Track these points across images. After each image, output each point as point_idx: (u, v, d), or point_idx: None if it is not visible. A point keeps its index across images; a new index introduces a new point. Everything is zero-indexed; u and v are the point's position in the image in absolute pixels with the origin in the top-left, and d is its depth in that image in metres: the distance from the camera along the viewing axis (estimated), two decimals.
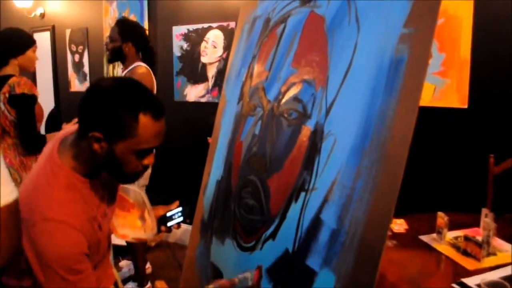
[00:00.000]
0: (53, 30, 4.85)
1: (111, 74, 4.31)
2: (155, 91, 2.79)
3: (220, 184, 1.64)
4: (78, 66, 4.68)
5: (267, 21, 1.59)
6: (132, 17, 4.02)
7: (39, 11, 4.90)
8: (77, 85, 4.75)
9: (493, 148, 2.46)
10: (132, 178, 1.24)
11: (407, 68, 0.96)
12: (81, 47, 4.59)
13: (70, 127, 1.33)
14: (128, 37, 2.73)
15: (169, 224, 1.46)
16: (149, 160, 1.21)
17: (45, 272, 1.10)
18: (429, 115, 2.71)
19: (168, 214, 1.46)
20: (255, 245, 1.33)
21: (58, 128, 2.73)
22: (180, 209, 1.48)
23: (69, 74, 4.79)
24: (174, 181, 3.80)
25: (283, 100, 1.35)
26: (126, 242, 2.94)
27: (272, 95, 1.41)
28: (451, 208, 2.07)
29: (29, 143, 2.38)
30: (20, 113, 2.32)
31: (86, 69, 4.60)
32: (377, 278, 0.92)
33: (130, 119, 1.10)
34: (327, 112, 1.15)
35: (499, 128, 2.54)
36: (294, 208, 1.19)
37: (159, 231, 1.44)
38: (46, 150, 1.27)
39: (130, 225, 1.42)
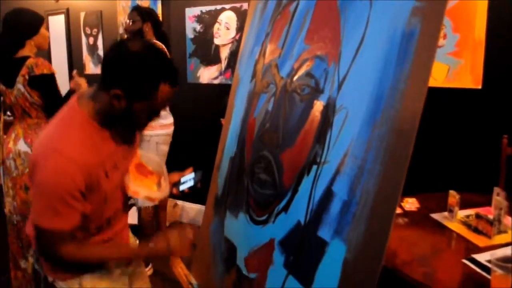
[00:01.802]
0: (67, 13, 4.88)
1: None
2: None
3: (234, 160, 1.67)
4: (92, 48, 4.72)
5: (280, 0, 1.59)
6: (146, 1, 4.03)
7: None
8: (92, 68, 4.80)
9: (507, 129, 2.45)
10: (141, 127, 1.39)
11: (419, 41, 0.97)
12: (95, 30, 4.63)
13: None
14: (148, 18, 2.90)
15: (181, 187, 1.52)
16: (158, 113, 1.34)
17: (38, 201, 1.23)
18: (442, 95, 2.70)
19: (182, 179, 1.53)
20: (268, 218, 1.37)
21: None
22: (192, 175, 1.54)
23: (84, 56, 4.83)
24: (188, 162, 3.85)
25: (296, 76, 1.36)
26: (138, 223, 3.03)
27: (285, 71, 1.43)
28: (464, 188, 2.08)
29: None
30: (45, 93, 2.37)
31: (100, 51, 4.64)
32: (387, 248, 0.95)
33: (151, 86, 1.22)
34: (339, 86, 1.17)
35: None
36: (306, 181, 1.21)
37: (171, 193, 1.52)
38: (62, 111, 1.34)
39: (146, 187, 1.45)
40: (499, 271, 1.26)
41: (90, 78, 4.77)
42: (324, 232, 1.10)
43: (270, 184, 1.38)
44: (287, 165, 1.32)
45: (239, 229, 1.54)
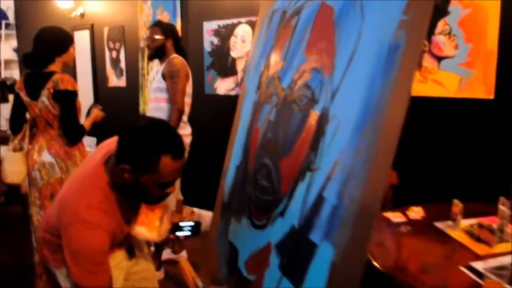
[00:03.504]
0: (92, 29, 5.09)
1: (145, 69, 4.49)
2: (190, 79, 2.97)
3: (239, 168, 1.74)
4: (115, 62, 4.90)
5: (283, 14, 1.67)
6: (165, 15, 4.17)
7: (79, 11, 5.15)
8: (115, 81, 4.97)
9: None
10: (156, 201, 1.50)
11: (404, 52, 1.02)
12: (118, 44, 4.80)
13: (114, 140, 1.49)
14: (170, 34, 3.00)
15: (177, 233, 1.61)
16: (170, 190, 1.43)
17: (75, 262, 1.35)
18: (455, 106, 2.71)
19: (181, 223, 1.62)
20: (267, 223, 1.43)
21: (99, 122, 2.93)
22: (192, 223, 1.62)
23: (107, 70, 5.01)
24: (206, 172, 3.94)
25: (295, 88, 1.43)
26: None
27: (286, 83, 1.49)
28: (476, 198, 2.09)
29: (72, 134, 2.55)
30: (63, 108, 2.48)
31: (122, 65, 4.81)
32: (367, 250, 0.99)
33: (153, 159, 1.32)
34: (333, 96, 1.22)
35: None
36: (301, 187, 1.27)
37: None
38: (95, 158, 1.49)
39: (149, 223, 1.57)
40: (490, 277, 1.28)
41: (113, 91, 4.96)
42: (315, 236, 1.15)
43: (270, 190, 1.44)
44: (285, 172, 1.38)
45: (242, 234, 1.60)
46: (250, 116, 1.73)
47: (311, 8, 1.47)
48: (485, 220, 1.82)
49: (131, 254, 1.72)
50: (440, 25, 2.77)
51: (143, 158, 1.32)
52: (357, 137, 1.09)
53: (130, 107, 4.71)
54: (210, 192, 2.80)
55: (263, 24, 1.85)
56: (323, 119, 1.24)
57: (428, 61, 2.82)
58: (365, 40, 1.16)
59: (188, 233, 1.62)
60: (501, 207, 1.80)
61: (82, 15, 5.17)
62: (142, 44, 4.45)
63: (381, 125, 1.03)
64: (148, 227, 1.57)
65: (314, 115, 1.29)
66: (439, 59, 2.78)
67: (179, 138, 1.38)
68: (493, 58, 2.61)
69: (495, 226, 1.74)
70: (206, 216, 3.99)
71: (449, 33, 2.74)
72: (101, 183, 1.41)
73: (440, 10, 2.73)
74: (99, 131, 4.91)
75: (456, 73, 2.74)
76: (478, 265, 1.48)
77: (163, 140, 1.33)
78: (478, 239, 1.72)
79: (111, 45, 4.90)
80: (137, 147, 1.33)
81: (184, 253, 3.28)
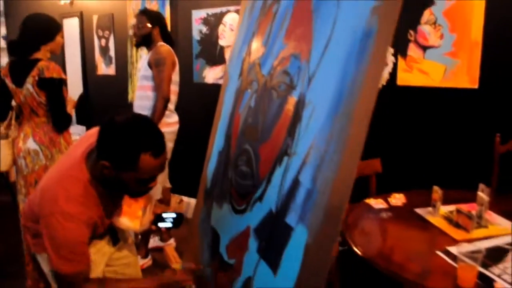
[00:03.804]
0: (81, 16, 5.05)
1: (134, 57, 4.47)
2: (177, 67, 2.97)
3: (221, 154, 1.75)
4: (104, 50, 4.87)
5: (265, 1, 1.67)
6: (154, 4, 4.15)
7: None
8: (104, 69, 4.95)
9: (501, 128, 2.47)
10: (138, 195, 1.52)
11: (376, 38, 1.04)
12: (107, 32, 4.78)
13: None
14: (156, 22, 2.99)
15: (159, 224, 1.63)
16: (152, 184, 1.44)
17: (55, 251, 1.38)
18: (439, 95, 2.74)
19: (164, 215, 1.63)
20: (246, 207, 1.45)
21: (86, 110, 2.92)
22: (174, 215, 1.64)
23: (96, 58, 4.99)
24: (194, 160, 3.95)
25: (275, 74, 1.44)
26: None
27: (266, 69, 1.51)
28: (459, 185, 2.12)
29: (59, 122, 2.55)
30: (50, 96, 2.48)
31: (111, 53, 4.79)
32: (339, 232, 1.02)
33: (132, 157, 1.31)
34: (309, 82, 1.24)
35: (508, 108, 2.54)
36: (278, 172, 1.29)
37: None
38: (77, 150, 1.49)
39: (131, 214, 1.59)
40: (464, 261, 1.31)
41: (102, 79, 4.94)
42: (291, 219, 1.17)
43: (250, 175, 1.46)
44: (264, 157, 1.40)
45: (223, 219, 1.62)
46: (232, 103, 1.74)
47: None
48: (464, 207, 1.85)
49: (114, 240, 1.73)
50: (426, 15, 2.78)
51: (122, 156, 1.32)
52: (330, 122, 1.11)
53: (119, 95, 4.69)
54: (198, 181, 2.83)
55: (246, 11, 1.86)
56: (299, 105, 1.26)
57: (413, 51, 2.84)
58: (340, 26, 1.18)
59: (170, 225, 1.64)
60: (480, 193, 1.84)
61: (71, 3, 5.13)
62: (131, 32, 4.43)
63: (353, 110, 1.05)
64: (131, 217, 1.58)
65: (291, 101, 1.31)
66: (425, 48, 2.80)
67: (159, 135, 1.37)
68: (477, 48, 2.63)
69: (474, 212, 1.77)
70: (194, 204, 4.02)
71: (435, 23, 2.76)
72: (82, 176, 1.42)
73: (426, 0, 2.75)
74: (88, 119, 4.93)
75: (441, 62, 2.76)
76: (454, 249, 1.51)
77: (142, 138, 1.33)
78: (457, 225, 1.75)
79: (100, 33, 4.87)
80: (116, 144, 1.32)
81: (172, 241, 3.31)
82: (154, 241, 3.28)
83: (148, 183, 1.41)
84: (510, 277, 1.33)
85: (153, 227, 1.66)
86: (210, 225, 1.72)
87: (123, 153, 1.32)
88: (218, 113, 1.87)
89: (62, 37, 2.66)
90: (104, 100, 4.96)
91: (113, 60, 4.79)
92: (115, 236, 1.72)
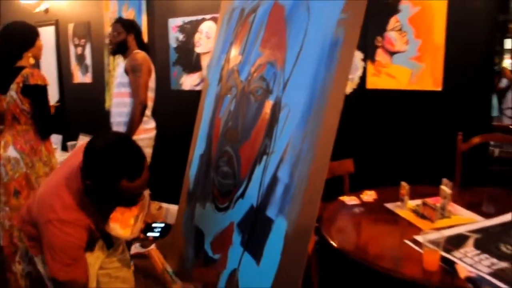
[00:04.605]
0: (56, 25, 5.06)
1: (111, 66, 4.52)
2: (153, 73, 3.03)
3: (203, 157, 1.85)
4: (80, 58, 4.90)
5: (242, 11, 1.79)
6: (131, 12, 4.22)
7: (43, 7, 5.11)
8: (80, 77, 4.96)
9: (463, 127, 2.65)
10: (127, 205, 1.57)
11: (342, 47, 1.16)
12: (83, 40, 4.80)
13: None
14: (131, 29, 3.06)
15: (148, 234, 1.71)
16: (138, 199, 1.51)
17: (53, 257, 1.43)
18: (406, 97, 2.90)
19: (153, 224, 1.72)
20: (229, 205, 1.55)
21: (62, 119, 2.95)
22: (163, 225, 1.73)
23: (72, 66, 5.00)
24: (172, 166, 4.01)
25: (252, 80, 1.55)
26: None
27: (244, 76, 1.62)
28: (425, 182, 2.26)
29: (44, 129, 2.58)
30: (35, 102, 2.51)
31: (88, 61, 4.81)
32: (315, 221, 1.13)
33: (111, 183, 1.38)
34: (284, 87, 1.35)
35: (469, 109, 2.73)
36: (258, 170, 1.39)
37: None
38: (75, 161, 1.55)
39: (123, 221, 1.66)
40: (428, 246, 1.45)
41: (78, 87, 4.96)
42: (271, 212, 1.28)
43: (231, 175, 1.57)
44: (244, 158, 1.51)
45: (206, 218, 1.72)
46: (212, 108, 1.85)
47: (266, 6, 1.59)
48: (429, 200, 1.99)
49: (108, 244, 1.79)
50: (392, 22, 2.95)
51: (101, 183, 1.40)
52: (304, 122, 1.23)
53: (96, 103, 4.72)
54: (176, 186, 2.89)
55: (224, 21, 1.97)
56: (276, 108, 1.37)
57: (381, 56, 3.00)
58: (311, 36, 1.30)
59: (157, 234, 1.73)
60: (443, 187, 1.99)
61: (46, 11, 5.13)
62: (108, 40, 4.48)
63: (324, 111, 1.16)
64: (122, 225, 1.65)
65: (268, 105, 1.42)
66: (392, 53, 2.97)
67: (137, 158, 1.42)
68: (440, 53, 2.81)
69: (438, 204, 1.91)
70: (174, 210, 4.07)
71: (400, 30, 2.93)
72: (77, 186, 1.49)
73: (392, 8, 2.92)
74: (65, 128, 4.93)
75: (407, 66, 2.93)
76: (420, 238, 1.64)
77: (120, 165, 1.38)
78: (423, 216, 1.89)
79: (76, 41, 4.89)
80: (95, 170, 1.39)
81: (153, 247, 3.36)
82: (135, 247, 3.32)
83: (134, 198, 1.49)
84: (470, 260, 1.47)
85: (142, 235, 1.74)
86: (194, 224, 1.82)
87: (103, 179, 1.39)
88: (198, 118, 1.97)
89: (41, 41, 2.71)
90: (81, 108, 4.97)
91: (90, 68, 4.82)
92: (109, 240, 1.78)
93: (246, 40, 1.66)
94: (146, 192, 1.63)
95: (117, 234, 1.65)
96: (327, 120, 1.13)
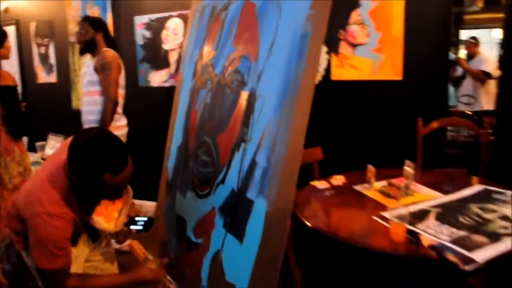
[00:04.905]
0: (17, 24, 4.97)
1: (77, 65, 4.49)
2: (123, 71, 3.07)
3: (180, 148, 1.93)
4: (44, 58, 4.83)
5: (213, 9, 1.87)
6: (95, 10, 4.20)
7: (3, 6, 5.00)
8: (44, 77, 4.90)
9: (422, 113, 2.83)
10: (112, 198, 1.65)
11: (311, 40, 1.27)
12: (46, 39, 4.74)
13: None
14: (99, 27, 3.07)
15: (131, 227, 1.78)
16: (122, 192, 1.61)
17: (40, 248, 1.50)
18: (369, 87, 3.07)
19: (137, 218, 1.78)
20: (210, 191, 1.64)
21: (26, 120, 2.95)
22: (145, 218, 1.80)
23: (36, 66, 4.93)
24: (140, 160, 4.04)
25: (227, 73, 1.65)
26: None
27: (219, 69, 1.71)
28: (390, 164, 2.42)
29: (17, 130, 2.59)
30: (7, 104, 2.52)
31: (52, 60, 4.76)
32: (293, 199, 1.25)
33: (95, 177, 1.45)
34: (259, 78, 1.45)
35: (428, 96, 2.92)
36: (237, 157, 1.49)
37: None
38: (61, 157, 1.59)
39: (107, 214, 1.72)
40: (394, 220, 1.59)
41: (43, 87, 4.89)
42: (251, 194, 1.38)
43: (210, 163, 1.66)
44: (223, 146, 1.60)
45: (188, 205, 1.80)
46: (188, 101, 1.92)
47: (237, 4, 1.69)
48: (394, 181, 2.15)
49: (93, 237, 1.86)
50: (354, 16, 3.10)
51: (86, 177, 1.46)
52: (279, 110, 1.33)
53: (62, 103, 4.68)
54: (148, 182, 2.94)
55: (195, 18, 2.05)
56: (251, 98, 1.47)
57: (344, 48, 3.15)
58: (282, 30, 1.40)
59: (141, 228, 1.79)
60: (406, 168, 2.15)
61: (6, 10, 5.02)
62: (72, 39, 4.44)
63: (297, 99, 1.27)
64: (106, 218, 1.71)
65: (244, 95, 1.52)
66: (354, 46, 3.12)
67: (120, 153, 1.50)
68: (399, 44, 2.98)
69: (402, 184, 2.07)
70: (147, 206, 4.11)
71: (362, 23, 3.09)
72: (62, 181, 1.55)
73: (353, 2, 3.07)
74: (30, 129, 4.85)
75: (368, 58, 3.09)
76: (387, 214, 1.79)
77: (103, 159, 1.45)
78: (388, 195, 2.04)
79: (39, 41, 4.82)
80: (80, 165, 1.46)
81: (128, 242, 3.40)
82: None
83: (119, 191, 1.58)
84: (432, 231, 1.62)
85: (125, 228, 1.81)
86: (175, 213, 1.90)
87: (86, 174, 1.46)
88: (174, 112, 2.04)
89: (8, 41, 2.71)
90: (47, 108, 4.91)
91: (54, 68, 4.77)
92: (95, 233, 1.84)
93: (219, 36, 1.75)
94: (130, 188, 1.70)
95: (102, 227, 1.71)
96: (300, 106, 1.24)
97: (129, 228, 1.80)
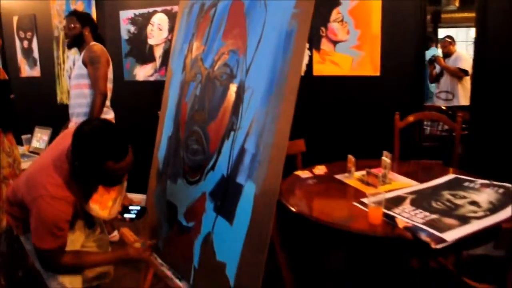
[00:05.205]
0: None
1: (61, 58, 4.51)
2: (111, 65, 3.12)
3: (171, 138, 2.02)
4: (27, 52, 4.83)
5: (202, 6, 1.97)
6: (80, 4, 4.23)
7: None
8: (28, 71, 4.90)
9: (399, 107, 2.97)
10: (111, 185, 1.74)
11: (296, 37, 1.38)
12: (29, 33, 4.74)
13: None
14: (86, 22, 3.12)
15: (125, 215, 1.88)
16: (122, 178, 1.70)
17: (42, 230, 1.59)
18: (349, 82, 3.20)
19: (130, 207, 1.88)
20: (200, 177, 1.74)
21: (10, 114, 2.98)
22: (139, 207, 1.89)
23: (19, 60, 4.92)
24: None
25: (216, 67, 1.75)
26: None
27: (208, 63, 1.80)
28: (369, 156, 2.55)
29: (6, 121, 2.64)
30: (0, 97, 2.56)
31: (36, 54, 4.76)
32: (280, 182, 1.36)
33: (97, 165, 1.54)
34: (247, 71, 1.56)
35: (404, 91, 3.07)
36: (227, 145, 1.59)
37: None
38: (64, 144, 1.68)
39: (103, 202, 1.80)
40: (372, 205, 1.71)
41: (26, 81, 4.89)
42: (241, 178, 1.49)
43: (201, 151, 1.76)
44: (213, 135, 1.70)
45: (178, 191, 1.89)
46: (178, 94, 2.02)
47: (226, 2, 1.79)
48: (373, 170, 2.27)
49: (90, 224, 1.95)
50: (334, 14, 3.23)
51: (88, 163, 1.56)
52: (266, 101, 1.44)
53: (47, 97, 4.69)
54: (136, 175, 3.01)
55: (184, 14, 2.14)
56: (240, 90, 1.57)
57: (325, 45, 3.28)
58: (268, 27, 1.51)
59: (133, 216, 1.89)
60: (383, 158, 2.28)
61: None
62: (57, 33, 4.46)
63: (283, 90, 1.38)
64: (101, 206, 1.80)
65: (233, 88, 1.62)
66: (335, 43, 3.25)
67: (122, 141, 1.58)
68: (377, 42, 3.12)
69: (380, 173, 2.20)
70: (135, 198, 4.17)
71: (342, 21, 3.21)
72: (65, 167, 1.64)
73: (334, 1, 3.19)
74: (15, 124, 4.84)
75: (348, 54, 3.23)
76: (366, 200, 1.91)
77: (106, 147, 1.54)
78: (367, 184, 2.17)
79: (22, 35, 4.82)
80: (82, 153, 1.55)
81: (115, 233, 3.48)
82: None
83: (119, 178, 1.66)
84: (407, 214, 1.75)
85: (119, 216, 1.90)
86: (166, 199, 1.99)
87: (89, 161, 1.55)
88: (164, 104, 2.13)
89: None
90: (31, 102, 4.91)
91: (38, 62, 4.77)
92: (91, 219, 1.93)
93: (208, 31, 1.85)
94: (124, 178, 1.78)
95: (97, 214, 1.80)
96: (287, 97, 1.35)
97: (122, 216, 1.89)
